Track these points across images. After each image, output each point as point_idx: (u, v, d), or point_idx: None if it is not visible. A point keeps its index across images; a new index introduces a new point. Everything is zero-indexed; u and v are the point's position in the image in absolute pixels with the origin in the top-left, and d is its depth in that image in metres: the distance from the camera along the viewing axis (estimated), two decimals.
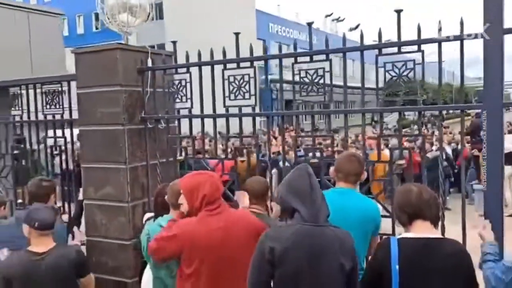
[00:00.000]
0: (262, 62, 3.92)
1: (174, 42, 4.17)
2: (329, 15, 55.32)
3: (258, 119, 4.02)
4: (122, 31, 4.32)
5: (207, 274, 2.59)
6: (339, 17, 56.23)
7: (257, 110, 3.91)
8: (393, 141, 9.97)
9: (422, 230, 2.37)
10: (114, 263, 4.24)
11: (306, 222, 2.26)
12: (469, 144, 11.40)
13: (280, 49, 3.81)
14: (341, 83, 3.46)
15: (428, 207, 2.38)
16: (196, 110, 4.07)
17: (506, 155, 6.28)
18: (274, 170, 6.61)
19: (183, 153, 4.39)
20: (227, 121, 3.94)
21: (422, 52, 3.11)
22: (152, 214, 3.52)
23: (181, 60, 4.18)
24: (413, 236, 2.37)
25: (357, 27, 53.91)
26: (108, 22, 4.36)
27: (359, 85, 3.45)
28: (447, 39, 3.00)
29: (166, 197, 3.07)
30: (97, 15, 33.58)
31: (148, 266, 3.17)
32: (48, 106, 4.82)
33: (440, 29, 3.02)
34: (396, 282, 2.28)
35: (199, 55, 3.98)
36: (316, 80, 3.55)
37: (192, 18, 31.92)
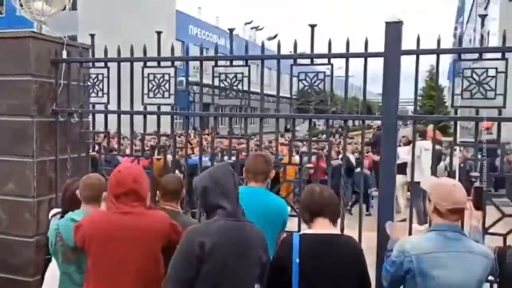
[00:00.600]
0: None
1: (92, 35, 4.10)
2: (249, 23, 56.23)
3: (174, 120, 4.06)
4: (35, 20, 4.14)
5: (103, 269, 2.58)
6: (258, 26, 57.35)
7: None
8: (304, 149, 10.54)
9: (322, 226, 2.60)
10: (15, 261, 4.03)
11: (229, 218, 2.38)
12: (371, 154, 12.27)
13: (201, 51, 3.91)
14: (258, 90, 3.63)
15: (327, 206, 2.61)
16: (112, 107, 4.03)
17: (399, 165, 6.89)
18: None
19: (96, 149, 4.30)
20: (145, 118, 3.95)
21: (332, 65, 3.40)
22: (59, 209, 3.41)
23: (98, 54, 4.11)
24: (313, 232, 2.59)
25: (275, 36, 55.36)
26: (21, 9, 4.15)
27: (274, 93, 3.66)
28: (353, 55, 3.30)
29: (77, 191, 3.01)
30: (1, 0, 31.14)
31: (51, 264, 3.08)
32: None
33: (347, 46, 3.32)
34: (296, 275, 2.48)
35: (119, 51, 3.95)
36: (234, 85, 3.70)
37: (108, 12, 30.75)
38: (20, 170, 4.02)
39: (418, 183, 3.33)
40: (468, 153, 9.86)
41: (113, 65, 3.98)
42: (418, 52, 3.15)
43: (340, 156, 11.89)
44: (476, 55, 3.09)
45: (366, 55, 3.29)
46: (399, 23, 3.13)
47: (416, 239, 2.49)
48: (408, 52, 3.16)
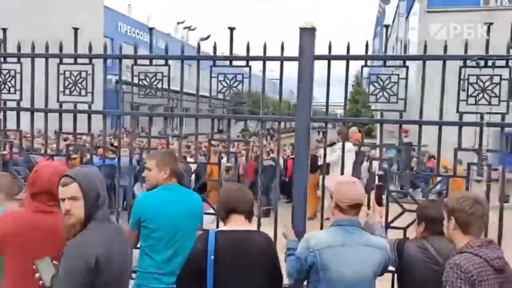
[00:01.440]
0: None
1: (4, 29, 3.90)
2: (181, 23, 55.61)
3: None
4: None
5: (20, 269, 2.48)
6: (191, 26, 56.89)
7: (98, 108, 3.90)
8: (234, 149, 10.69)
9: (237, 223, 2.69)
10: None
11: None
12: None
13: (120, 49, 3.87)
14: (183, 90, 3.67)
15: (242, 203, 2.71)
16: (25, 104, 3.88)
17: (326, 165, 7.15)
18: None
19: (8, 148, 4.10)
20: (60, 116, 3.83)
21: (250, 67, 3.51)
22: None
23: (12, 49, 3.93)
24: (228, 228, 2.68)
25: (208, 37, 55.25)
26: None
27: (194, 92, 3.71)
28: (270, 58, 3.44)
29: None
30: None
31: None
32: None
33: (265, 49, 3.45)
34: (211, 270, 2.55)
35: (33, 47, 3.81)
36: (155, 84, 3.70)
37: (29, 5, 29.09)
38: None
39: None
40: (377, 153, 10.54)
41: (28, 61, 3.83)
42: (329, 58, 3.34)
43: (270, 156, 12.21)
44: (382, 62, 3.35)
45: (282, 59, 3.43)
46: (312, 29, 3.30)
47: (320, 235, 2.64)
48: (320, 57, 3.34)
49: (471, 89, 3.14)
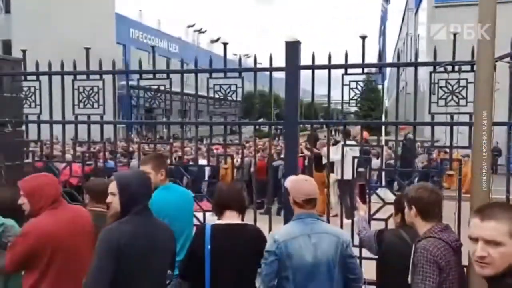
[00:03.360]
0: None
1: (24, 51, 4.35)
2: (192, 26, 56.26)
3: (118, 126, 4.39)
4: None
5: (54, 266, 2.84)
6: (201, 29, 57.54)
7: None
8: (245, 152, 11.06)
9: (230, 218, 3.08)
10: None
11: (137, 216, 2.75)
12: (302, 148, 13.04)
13: (127, 66, 4.29)
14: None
15: (234, 200, 3.10)
16: (46, 117, 4.32)
17: (330, 164, 7.49)
18: None
19: (31, 157, 4.56)
20: (76, 127, 4.27)
21: (242, 78, 3.90)
22: None
23: (31, 65, 4.37)
24: (222, 222, 3.07)
25: (217, 39, 55.81)
26: None
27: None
28: (260, 69, 3.83)
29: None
30: None
31: None
32: None
33: (255, 61, 3.84)
34: (208, 259, 2.94)
35: (49, 65, 4.25)
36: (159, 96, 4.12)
37: (44, 14, 29.89)
38: None
39: (347, 181, 3.89)
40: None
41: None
42: (313, 67, 3.71)
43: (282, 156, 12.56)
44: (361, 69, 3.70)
45: (270, 69, 3.82)
46: (296, 43, 3.68)
47: (283, 229, 2.98)
48: (305, 67, 3.72)
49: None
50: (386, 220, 3.66)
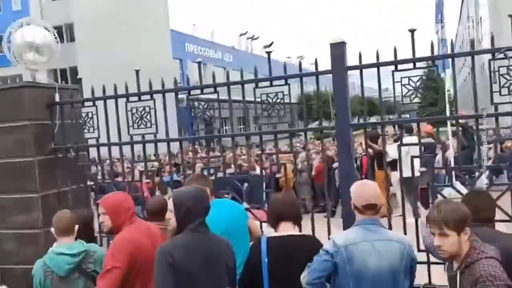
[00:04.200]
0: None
1: (79, 79, 4.56)
2: (244, 34, 57.02)
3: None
4: (29, 69, 4.61)
5: (139, 277, 2.97)
6: (254, 35, 58.15)
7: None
8: (302, 154, 11.01)
9: (285, 229, 3.01)
10: None
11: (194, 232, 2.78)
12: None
13: (175, 83, 4.35)
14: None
15: (288, 211, 3.03)
16: (103, 139, 4.50)
17: (391, 162, 7.16)
18: None
19: (94, 179, 4.76)
20: (132, 147, 4.41)
21: (288, 85, 3.84)
22: None
23: (89, 91, 4.58)
24: (278, 234, 3.01)
25: (271, 44, 56.11)
26: (15, 61, 4.64)
27: None
28: (306, 74, 3.75)
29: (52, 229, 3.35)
30: None
31: None
32: None
33: (300, 66, 3.77)
34: (266, 272, 2.89)
35: (103, 90, 4.42)
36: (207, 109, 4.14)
37: (104, 39, 31.55)
38: (27, 205, 4.49)
39: (409, 178, 3.73)
40: None
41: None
42: (361, 67, 3.57)
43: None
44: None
45: (317, 73, 3.72)
46: (342, 44, 3.56)
47: (344, 234, 2.86)
48: (352, 68, 3.58)
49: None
50: None
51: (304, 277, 2.73)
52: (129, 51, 30.20)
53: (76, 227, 3.31)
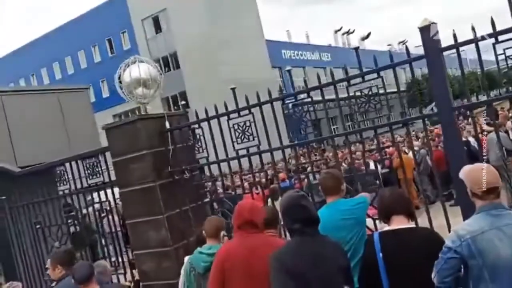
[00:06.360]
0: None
1: (184, 105, 4.92)
2: (339, 30, 56.07)
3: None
4: (140, 103, 5.11)
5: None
6: (349, 30, 56.87)
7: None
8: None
9: (398, 222, 2.95)
10: None
11: (303, 235, 2.87)
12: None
13: (270, 94, 4.49)
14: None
15: (398, 204, 2.96)
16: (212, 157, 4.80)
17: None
18: None
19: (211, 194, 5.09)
20: (239, 161, 4.63)
21: (382, 77, 3.74)
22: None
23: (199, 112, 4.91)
24: (390, 228, 2.95)
25: (368, 35, 54.47)
26: (127, 97, 5.17)
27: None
28: (399, 63, 3.63)
29: (203, 232, 3.76)
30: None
31: None
32: (90, 177, 5.65)
33: (391, 58, 3.66)
34: (383, 268, 2.85)
35: (206, 111, 4.71)
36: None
37: (205, 62, 33.33)
38: (156, 226, 4.94)
39: None
40: None
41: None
42: (457, 45, 3.36)
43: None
44: None
45: (410, 61, 3.58)
46: (431, 26, 3.38)
47: (466, 224, 2.66)
48: (447, 48, 3.38)
49: None
50: None
51: (434, 277, 2.64)
52: (230, 68, 31.49)
53: (222, 232, 3.71)
